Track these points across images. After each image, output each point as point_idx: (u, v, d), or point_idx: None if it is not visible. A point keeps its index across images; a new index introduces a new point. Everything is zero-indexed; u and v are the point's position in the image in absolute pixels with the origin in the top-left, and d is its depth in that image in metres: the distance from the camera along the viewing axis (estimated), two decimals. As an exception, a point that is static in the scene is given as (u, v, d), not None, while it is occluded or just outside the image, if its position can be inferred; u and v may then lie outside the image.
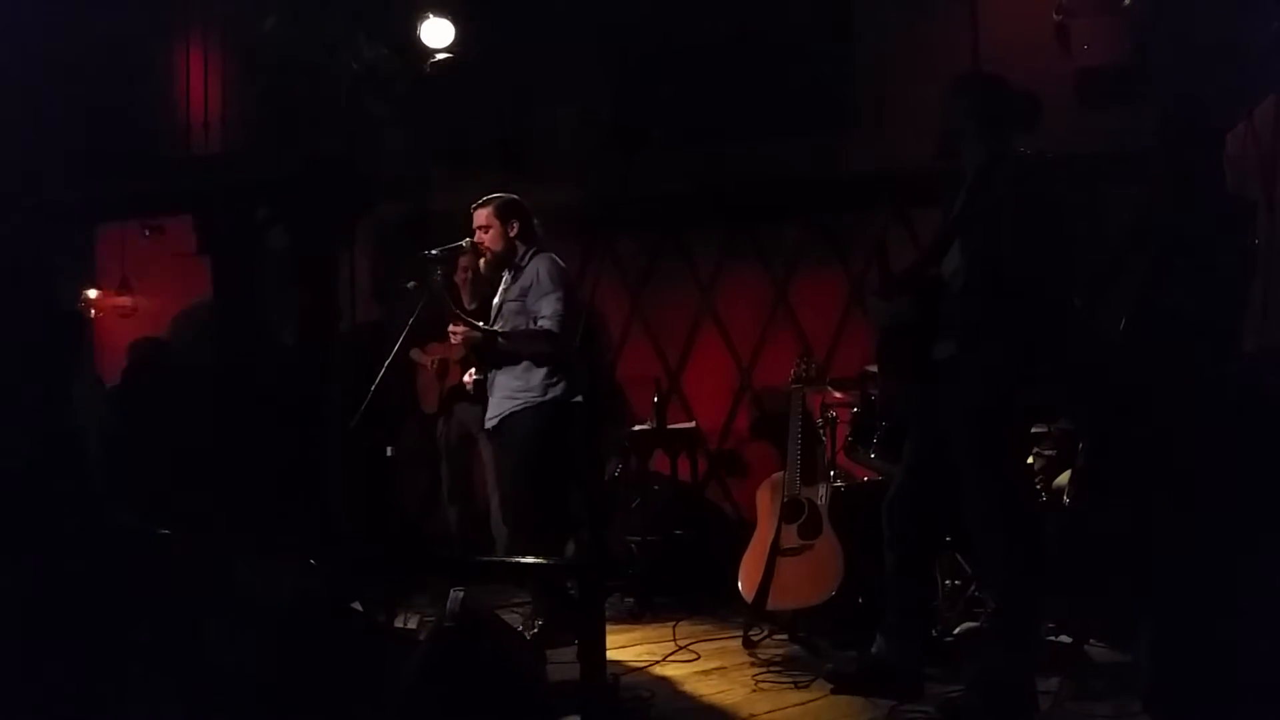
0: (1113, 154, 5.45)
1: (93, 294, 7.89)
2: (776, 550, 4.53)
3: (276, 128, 6.14)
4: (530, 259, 4.62)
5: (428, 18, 5.92)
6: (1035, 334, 3.49)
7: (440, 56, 5.97)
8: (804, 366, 4.92)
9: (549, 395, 4.49)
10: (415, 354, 5.89)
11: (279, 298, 6.17)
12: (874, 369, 4.75)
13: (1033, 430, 4.37)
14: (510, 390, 4.54)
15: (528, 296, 4.55)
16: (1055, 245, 3.50)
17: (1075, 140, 5.17)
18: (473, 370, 4.87)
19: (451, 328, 4.71)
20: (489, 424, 4.65)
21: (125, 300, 7.85)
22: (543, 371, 4.51)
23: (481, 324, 4.64)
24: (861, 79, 6.40)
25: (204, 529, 4.13)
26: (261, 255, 6.18)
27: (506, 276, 4.69)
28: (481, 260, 4.72)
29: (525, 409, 4.49)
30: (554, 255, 4.65)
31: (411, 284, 4.81)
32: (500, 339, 4.57)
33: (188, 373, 6.13)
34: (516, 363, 4.54)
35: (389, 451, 5.31)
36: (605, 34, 6.61)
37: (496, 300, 4.73)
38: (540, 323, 4.48)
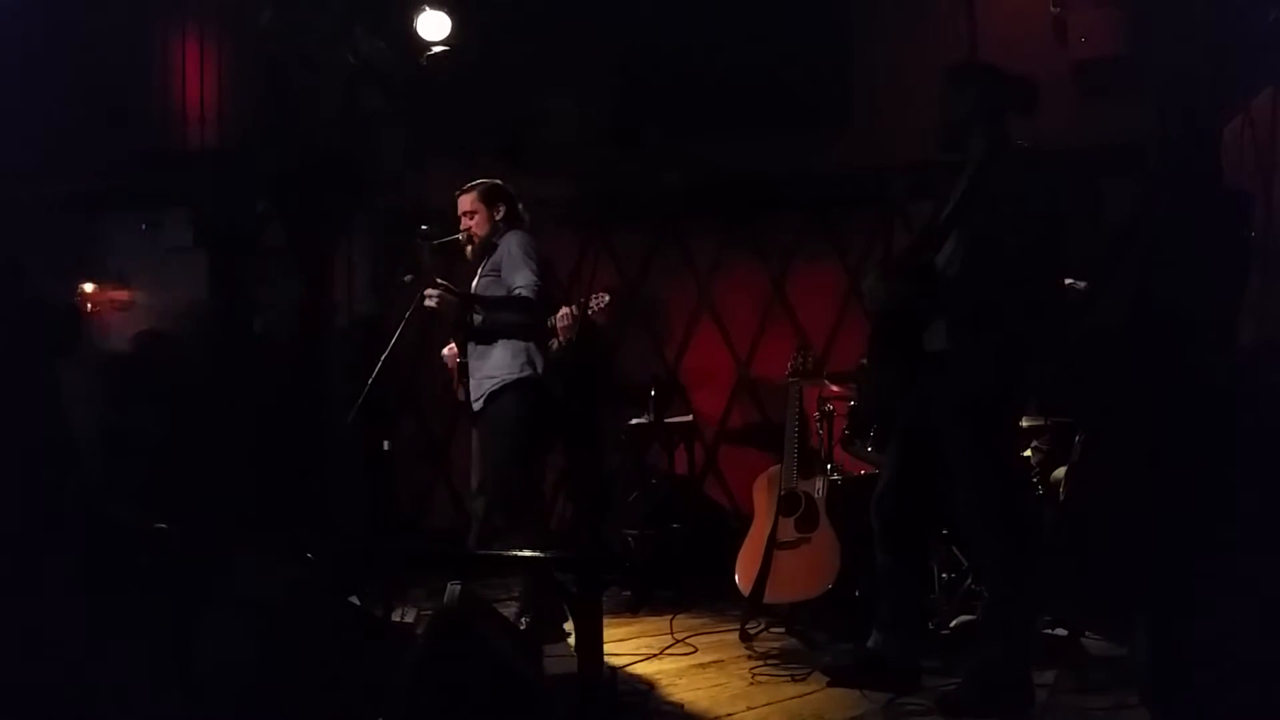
0: (1109, 147, 5.45)
1: (89, 287, 7.88)
2: (774, 543, 4.54)
3: (273, 122, 6.13)
4: (503, 236, 4.64)
5: (424, 10, 5.90)
6: (1030, 326, 3.49)
7: (437, 50, 5.95)
8: (801, 360, 4.93)
9: (525, 374, 4.52)
10: (447, 354, 5.89)
11: (276, 292, 6.17)
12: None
13: (1030, 424, 4.38)
14: (487, 370, 4.57)
15: (501, 271, 4.57)
16: (1053, 238, 3.50)
17: (1072, 133, 5.18)
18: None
19: (429, 291, 4.64)
20: (475, 406, 4.64)
21: (122, 294, 7.84)
22: (517, 349, 4.53)
23: (454, 288, 4.63)
24: (859, 72, 6.39)
25: (201, 523, 4.13)
26: (258, 250, 6.18)
27: (484, 260, 4.71)
28: (469, 248, 4.73)
29: (504, 387, 4.52)
30: (525, 232, 4.66)
31: (408, 277, 4.81)
32: (476, 304, 4.58)
33: (187, 367, 6.13)
34: (491, 344, 4.56)
35: (387, 446, 5.31)
36: (603, 27, 6.60)
37: (474, 283, 4.74)
38: (515, 291, 4.50)
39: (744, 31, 6.43)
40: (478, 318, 4.61)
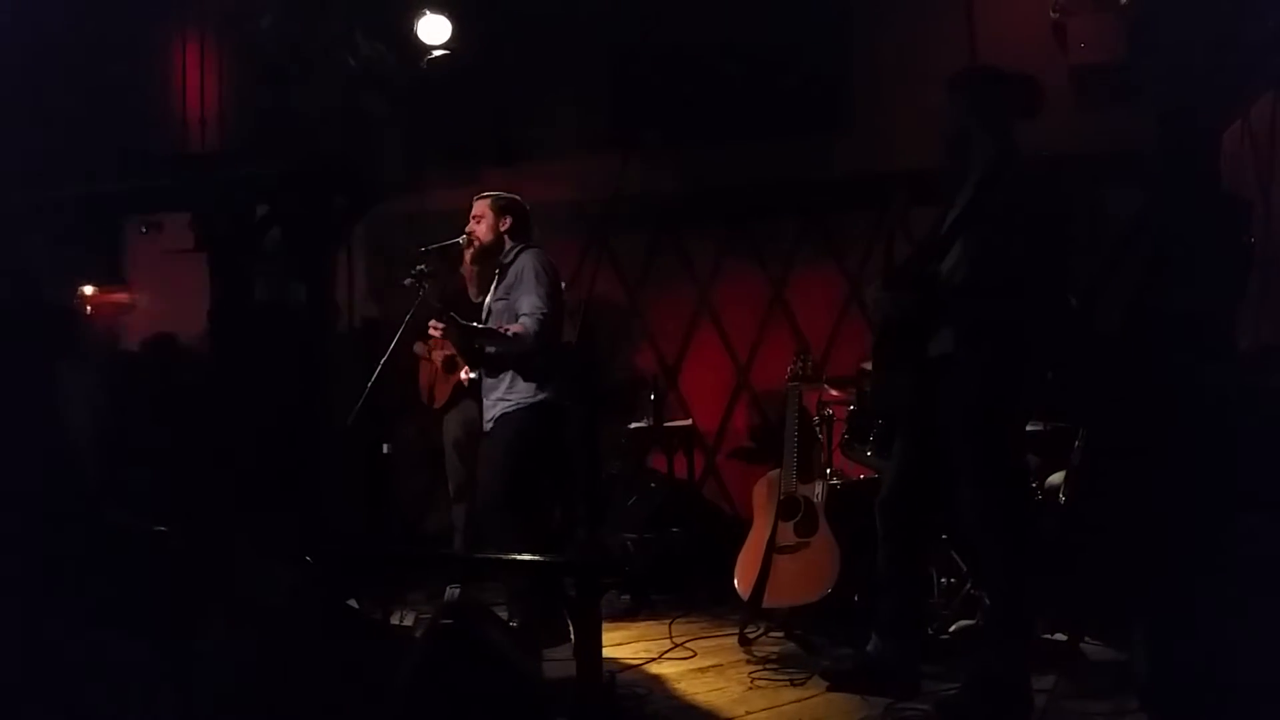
0: (1109, 153, 5.46)
1: (89, 290, 7.88)
2: (773, 548, 4.54)
3: (273, 125, 6.13)
4: (517, 256, 4.63)
5: (425, 15, 5.91)
6: (1033, 332, 3.49)
7: (437, 54, 5.96)
8: (801, 364, 4.93)
9: (538, 397, 4.49)
10: (419, 348, 5.89)
11: (276, 295, 6.17)
12: (869, 366, 4.74)
13: (1028, 429, 4.38)
14: (503, 393, 4.54)
15: (512, 293, 4.56)
16: (1056, 245, 3.50)
17: (1072, 139, 5.18)
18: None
19: (433, 323, 4.70)
20: (486, 427, 4.64)
21: (122, 297, 7.85)
22: (534, 372, 4.50)
23: (459, 319, 4.62)
24: (858, 78, 6.40)
25: (200, 526, 4.13)
26: (259, 253, 6.18)
27: (496, 275, 4.70)
28: (468, 251, 4.74)
29: (517, 410, 4.50)
30: (542, 251, 4.65)
31: (409, 281, 4.81)
32: (475, 336, 4.57)
33: (187, 370, 6.13)
34: (507, 366, 4.53)
35: (386, 449, 5.31)
36: (602, 32, 6.61)
37: (487, 300, 4.74)
38: (520, 319, 4.47)
39: (743, 36, 6.44)
40: (489, 349, 4.59)
